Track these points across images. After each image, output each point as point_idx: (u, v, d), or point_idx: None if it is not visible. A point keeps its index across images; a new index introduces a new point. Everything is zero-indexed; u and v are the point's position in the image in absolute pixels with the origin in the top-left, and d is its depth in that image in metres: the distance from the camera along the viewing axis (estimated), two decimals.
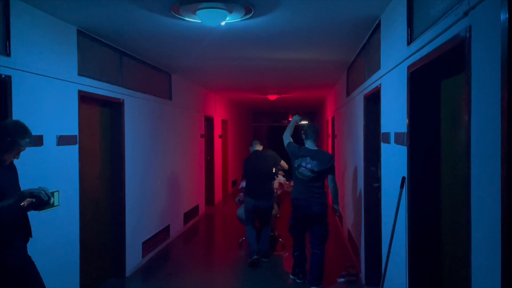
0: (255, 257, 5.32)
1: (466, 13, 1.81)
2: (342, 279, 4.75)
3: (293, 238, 4.74)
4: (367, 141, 4.36)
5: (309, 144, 4.55)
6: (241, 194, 6.29)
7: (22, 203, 2.45)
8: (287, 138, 4.81)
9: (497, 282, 1.50)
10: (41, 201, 2.52)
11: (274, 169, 5.65)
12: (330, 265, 4.97)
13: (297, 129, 5.15)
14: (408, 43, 2.72)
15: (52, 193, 2.68)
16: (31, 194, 2.46)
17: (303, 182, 4.43)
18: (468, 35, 1.78)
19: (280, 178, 6.69)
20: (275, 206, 6.01)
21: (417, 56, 2.50)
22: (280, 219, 6.45)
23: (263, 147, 5.91)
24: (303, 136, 4.62)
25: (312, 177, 4.40)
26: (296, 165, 4.50)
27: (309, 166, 4.39)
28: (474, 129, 1.76)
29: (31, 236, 2.71)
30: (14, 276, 2.53)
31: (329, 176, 4.52)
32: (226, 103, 11.30)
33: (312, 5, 3.36)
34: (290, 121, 5.07)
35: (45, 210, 3.31)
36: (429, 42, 2.29)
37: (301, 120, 5.02)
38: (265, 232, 5.59)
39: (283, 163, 5.66)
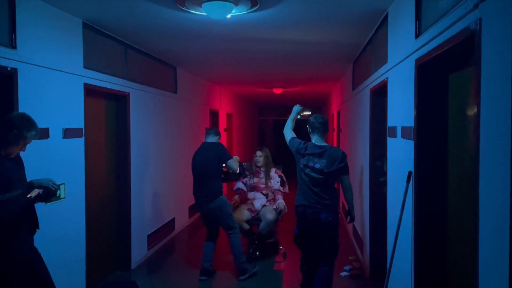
0: (202, 278, 4.63)
1: (476, 6, 1.78)
2: (346, 273, 4.75)
3: (300, 250, 4.02)
4: (373, 135, 4.34)
5: (316, 140, 3.80)
6: (236, 196, 5.62)
7: (29, 195, 2.46)
8: (288, 132, 4.05)
9: (505, 281, 1.49)
10: (49, 192, 2.53)
11: (238, 168, 4.66)
12: None
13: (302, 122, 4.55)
14: (416, 36, 2.69)
15: (59, 186, 2.69)
16: (39, 184, 2.48)
17: (309, 185, 3.71)
18: (478, 28, 1.75)
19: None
20: (272, 209, 5.33)
21: (425, 49, 2.47)
22: (281, 223, 5.71)
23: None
24: (309, 130, 3.87)
25: (321, 179, 3.67)
26: (301, 166, 3.76)
27: (317, 166, 3.67)
28: (483, 124, 1.73)
29: (38, 228, 2.73)
30: (21, 268, 2.55)
31: (343, 177, 3.78)
32: (231, 97, 11.29)
33: None
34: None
35: (51, 203, 3.33)
36: (437, 35, 2.26)
37: (303, 110, 4.26)
38: (232, 243, 4.59)
39: (231, 162, 4.54)
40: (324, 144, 3.80)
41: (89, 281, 4.03)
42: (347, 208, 3.98)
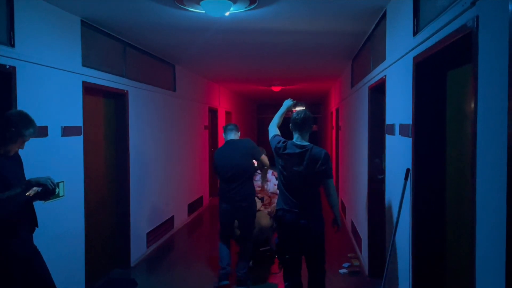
0: (225, 282, 4.20)
1: (473, 3, 1.78)
2: (344, 270, 4.76)
3: (282, 265, 3.55)
4: (371, 132, 4.35)
5: (297, 138, 3.36)
6: None
7: (28, 193, 2.47)
8: (272, 129, 3.60)
9: (502, 277, 1.50)
10: (47, 190, 2.53)
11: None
12: (333, 255, 4.96)
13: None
14: (414, 34, 2.69)
15: (58, 184, 2.69)
16: (37, 183, 2.48)
17: (288, 188, 3.33)
18: (475, 26, 1.76)
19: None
20: (267, 214, 4.88)
21: (423, 46, 2.48)
22: None
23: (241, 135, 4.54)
24: (291, 127, 3.40)
25: (302, 182, 3.28)
26: (280, 167, 3.38)
27: (296, 168, 3.26)
28: (480, 121, 1.74)
29: (37, 226, 2.73)
30: (20, 266, 2.55)
31: (326, 180, 3.31)
32: (230, 95, 11.29)
33: None
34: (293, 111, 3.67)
35: (50, 201, 3.34)
36: (435, 32, 2.26)
37: (295, 105, 3.85)
38: (244, 249, 4.28)
39: (264, 157, 4.32)
40: (305, 143, 3.34)
41: (88, 279, 4.04)
42: (331, 215, 3.46)
